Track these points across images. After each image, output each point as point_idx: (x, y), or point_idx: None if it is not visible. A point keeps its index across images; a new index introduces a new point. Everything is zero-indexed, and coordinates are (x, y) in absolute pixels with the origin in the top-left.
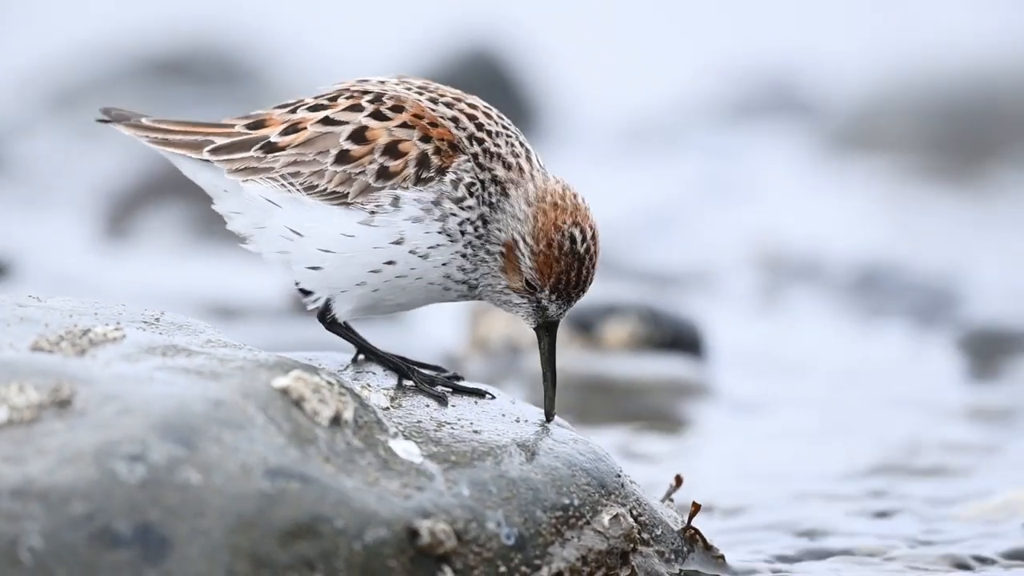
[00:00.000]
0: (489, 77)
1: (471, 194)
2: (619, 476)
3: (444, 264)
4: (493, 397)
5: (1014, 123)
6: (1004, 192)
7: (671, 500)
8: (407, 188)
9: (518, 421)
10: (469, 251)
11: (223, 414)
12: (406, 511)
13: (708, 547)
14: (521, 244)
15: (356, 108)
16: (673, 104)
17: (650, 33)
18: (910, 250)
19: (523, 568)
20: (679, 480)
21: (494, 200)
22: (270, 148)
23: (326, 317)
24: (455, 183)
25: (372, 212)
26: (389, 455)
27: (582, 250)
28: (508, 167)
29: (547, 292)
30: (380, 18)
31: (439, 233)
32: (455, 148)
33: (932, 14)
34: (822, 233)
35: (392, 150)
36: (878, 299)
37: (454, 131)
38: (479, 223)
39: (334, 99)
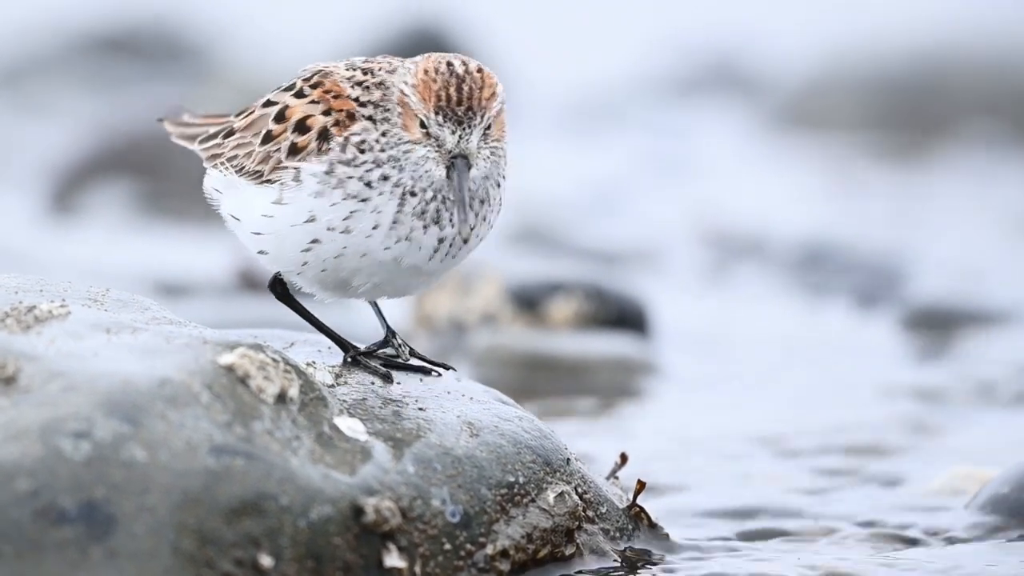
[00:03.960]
0: (431, 50)
1: (361, 151)
2: (564, 454)
3: (375, 228)
4: (440, 375)
5: (958, 100)
6: (949, 170)
7: (616, 478)
8: (310, 159)
9: (463, 398)
10: (389, 165)
11: (168, 391)
12: (351, 488)
13: (653, 525)
14: (406, 88)
15: (290, 88)
16: (619, 81)
17: (595, 9)
18: (855, 228)
19: (468, 546)
20: (624, 458)
21: (385, 98)
22: (230, 133)
23: (274, 284)
24: (343, 146)
25: (281, 188)
26: (334, 432)
27: (460, 70)
28: (385, 84)
29: (433, 116)
30: None
31: (345, 200)
32: (352, 117)
33: None
34: (767, 211)
35: (301, 126)
36: (823, 277)
37: (353, 100)
38: (379, 136)
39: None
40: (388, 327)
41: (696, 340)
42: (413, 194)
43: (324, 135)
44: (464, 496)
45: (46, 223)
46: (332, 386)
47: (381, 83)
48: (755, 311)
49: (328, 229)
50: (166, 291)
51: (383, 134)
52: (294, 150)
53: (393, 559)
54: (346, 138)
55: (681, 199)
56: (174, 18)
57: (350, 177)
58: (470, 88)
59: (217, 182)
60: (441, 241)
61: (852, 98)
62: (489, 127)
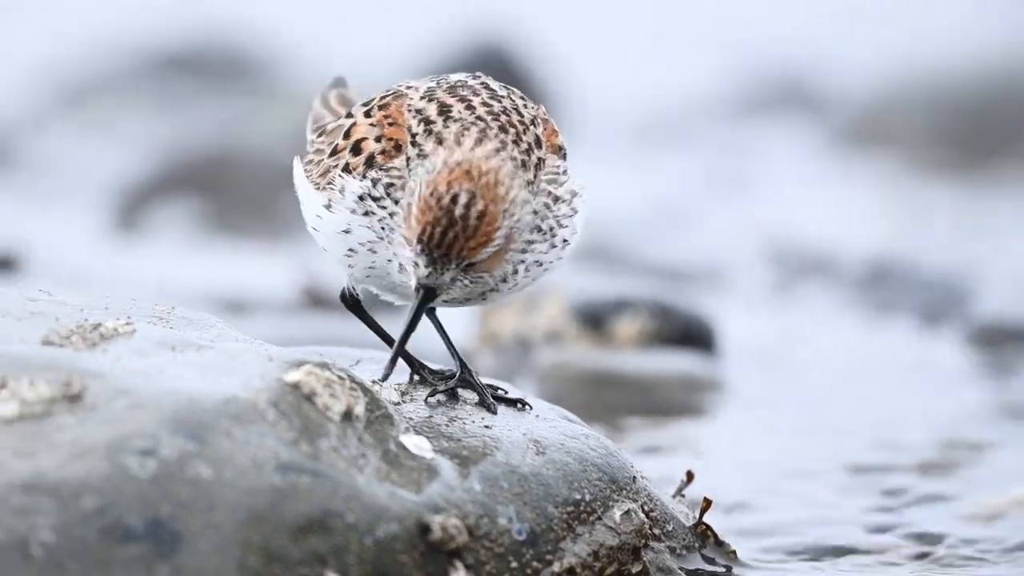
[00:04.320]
0: (499, 72)
1: (388, 194)
2: (630, 471)
3: (390, 261)
4: (522, 408)
5: (1023, 117)
6: (1014, 186)
7: (682, 496)
8: (353, 178)
9: (529, 416)
10: (392, 237)
11: (234, 409)
12: (417, 506)
13: (719, 543)
14: (416, 191)
15: (367, 103)
16: (684, 98)
17: (660, 27)
18: (920, 245)
19: (534, 563)
20: (690, 476)
21: (418, 167)
22: (321, 133)
23: (345, 295)
24: (375, 181)
25: (329, 195)
26: (400, 450)
27: (457, 213)
28: (441, 141)
29: (415, 242)
30: (391, 13)
31: (369, 228)
32: (398, 148)
33: (942, 9)
34: (832, 228)
35: (356, 147)
36: (888, 294)
37: (408, 130)
38: (396, 211)
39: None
40: (462, 361)
41: (761, 358)
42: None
43: (370, 162)
44: (530, 514)
45: (112, 241)
46: (398, 404)
47: (437, 137)
48: (820, 329)
49: (359, 244)
50: (231, 308)
51: (401, 197)
52: (347, 169)
53: None
54: (379, 174)
55: (746, 216)
56: (239, 36)
57: (373, 213)
58: (455, 236)
59: (297, 174)
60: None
61: (916, 116)
62: (473, 265)
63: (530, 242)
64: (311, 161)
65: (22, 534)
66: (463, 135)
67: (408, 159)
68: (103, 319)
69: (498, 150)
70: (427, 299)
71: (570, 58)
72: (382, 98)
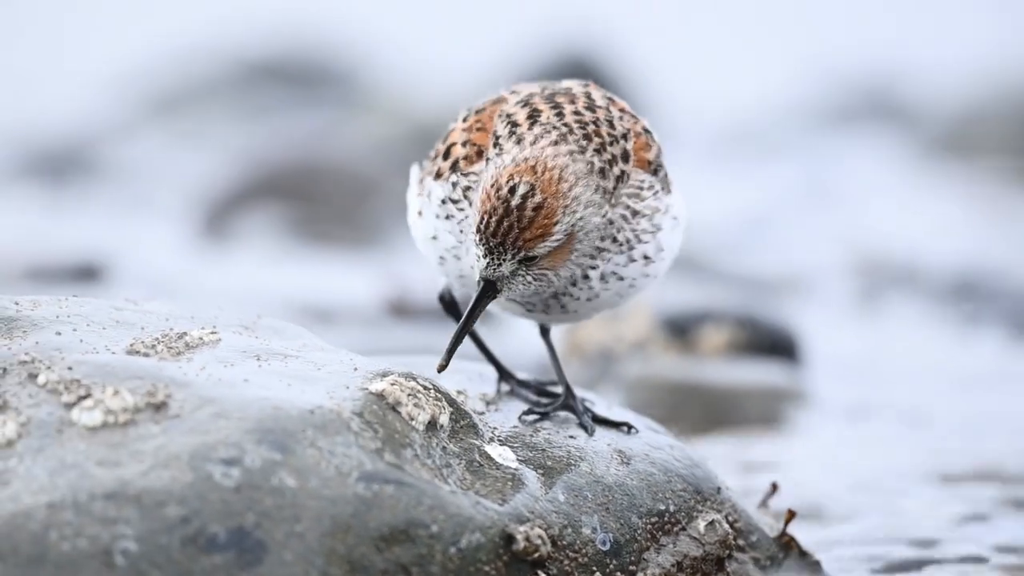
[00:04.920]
0: (583, 78)
1: (466, 197)
2: (715, 482)
3: (472, 268)
4: (637, 431)
5: None
6: None
7: (767, 506)
8: (438, 183)
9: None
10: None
11: (319, 418)
12: (501, 516)
13: (804, 554)
14: (483, 182)
15: (470, 107)
16: (769, 107)
17: (746, 35)
18: (1008, 255)
19: (618, 573)
20: (775, 487)
21: (491, 163)
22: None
23: (443, 296)
24: (455, 184)
25: (422, 202)
26: (485, 460)
27: (514, 202)
28: (518, 140)
29: (475, 233)
30: (476, 20)
31: (449, 233)
32: (480, 154)
33: None
34: (919, 238)
35: (448, 152)
36: (976, 306)
37: (494, 134)
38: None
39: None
40: (567, 385)
41: (848, 369)
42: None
43: (455, 167)
44: (614, 524)
45: (198, 249)
46: (483, 413)
47: (517, 137)
48: (907, 340)
49: (445, 250)
50: (316, 317)
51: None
52: (439, 174)
53: None
54: (459, 178)
55: (833, 227)
56: (327, 45)
57: (452, 216)
58: (510, 225)
59: (412, 177)
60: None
61: (1006, 125)
62: (534, 258)
63: (601, 249)
64: (422, 167)
65: (105, 543)
66: (542, 137)
67: (488, 160)
68: (188, 328)
69: (572, 152)
70: (487, 292)
71: (658, 66)
72: (483, 102)
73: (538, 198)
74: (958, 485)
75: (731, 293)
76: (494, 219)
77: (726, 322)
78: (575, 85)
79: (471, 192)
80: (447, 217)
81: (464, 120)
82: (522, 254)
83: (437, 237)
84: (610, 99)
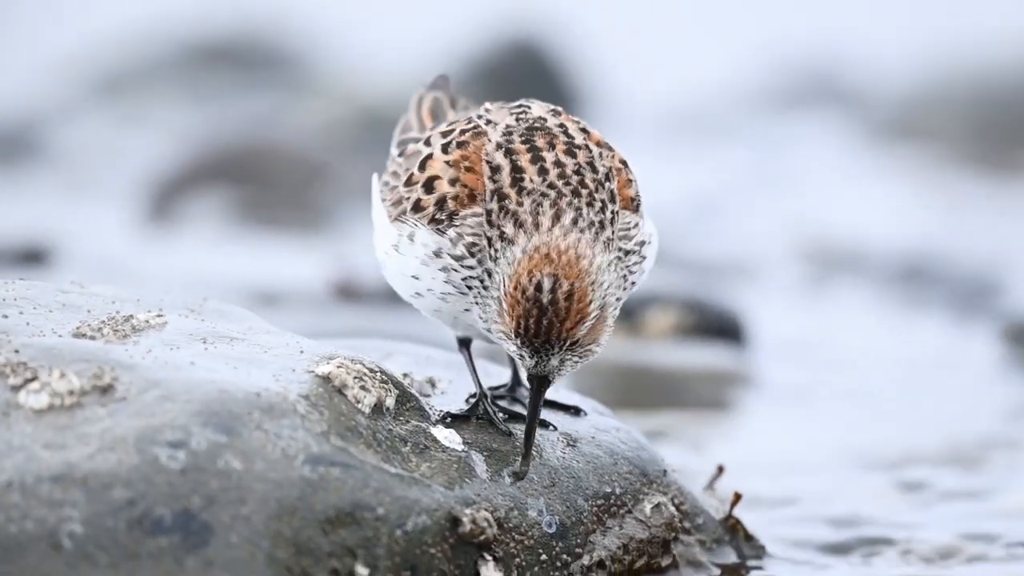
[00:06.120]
0: (532, 65)
1: (471, 254)
2: (661, 465)
3: (467, 311)
4: (585, 413)
5: None
6: None
7: (713, 489)
8: (424, 226)
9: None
10: (480, 301)
11: (265, 401)
12: (447, 499)
13: (749, 537)
14: (502, 286)
15: (446, 134)
16: (717, 92)
17: (696, 21)
18: (954, 240)
19: (564, 556)
20: (721, 469)
21: (500, 254)
22: (402, 153)
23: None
24: (455, 240)
25: (399, 236)
26: (431, 443)
27: (545, 300)
28: (520, 224)
29: (513, 338)
30: (425, 5)
31: (446, 283)
32: (472, 198)
33: (979, 2)
34: (866, 223)
35: (429, 185)
36: (921, 289)
37: (485, 180)
38: (485, 277)
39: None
40: (515, 374)
41: (794, 352)
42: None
43: (441, 204)
44: (560, 507)
45: (145, 233)
46: (429, 396)
47: (514, 217)
48: (853, 324)
49: (428, 290)
50: (263, 300)
51: (491, 267)
52: (417, 207)
53: (489, 570)
54: (459, 231)
55: (780, 211)
56: (274, 28)
57: (455, 270)
58: (549, 322)
59: (374, 194)
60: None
61: (952, 110)
62: (576, 342)
63: (619, 299)
64: (386, 184)
65: (52, 526)
66: (538, 214)
67: (487, 228)
68: (135, 311)
69: (575, 220)
70: (542, 388)
71: (605, 52)
72: (462, 132)
73: (566, 287)
74: (902, 469)
75: (678, 276)
76: (531, 321)
77: (673, 305)
78: (548, 116)
79: (477, 251)
80: (442, 269)
81: (445, 151)
82: (567, 344)
83: (419, 278)
84: (585, 132)
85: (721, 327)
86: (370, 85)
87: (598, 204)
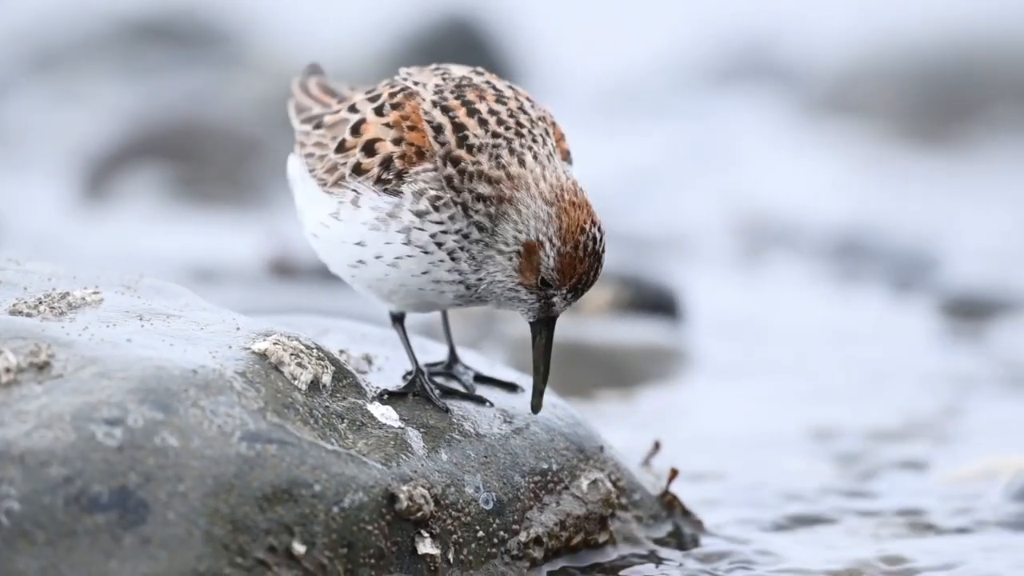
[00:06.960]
0: (468, 41)
1: (436, 208)
2: (597, 441)
3: (425, 273)
4: (523, 389)
5: (993, 87)
6: (983, 156)
7: (649, 465)
8: (369, 188)
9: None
10: (465, 256)
11: (201, 378)
12: (384, 475)
13: (686, 512)
14: (548, 245)
15: (375, 99)
16: (653, 68)
17: None
18: (889, 215)
19: (501, 533)
20: (657, 445)
21: (488, 211)
22: (319, 125)
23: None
24: (417, 195)
25: (339, 204)
26: (367, 419)
27: (600, 249)
28: (494, 180)
29: (564, 290)
30: None
31: (405, 245)
32: (420, 155)
33: None
34: (801, 198)
35: (369, 147)
36: (857, 264)
37: (431, 139)
38: (467, 232)
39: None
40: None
41: (730, 328)
42: (468, 287)
43: (387, 164)
44: (497, 483)
45: (79, 209)
46: (366, 373)
47: (497, 160)
48: (789, 298)
49: (376, 257)
50: (199, 277)
51: (467, 216)
52: (358, 170)
53: (426, 546)
54: (418, 191)
55: (715, 187)
56: (208, 4)
57: (420, 228)
58: (601, 267)
59: (294, 170)
60: (469, 289)
61: (887, 85)
62: None
63: None
64: (312, 155)
65: None
66: (507, 165)
67: (452, 193)
68: (71, 288)
69: (535, 156)
70: (553, 325)
71: (542, 28)
72: (391, 95)
73: (603, 236)
74: (838, 442)
75: (614, 252)
76: (592, 273)
77: (609, 281)
78: (472, 75)
79: (442, 204)
80: (401, 231)
81: (379, 113)
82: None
83: (365, 244)
84: (512, 88)
85: (658, 303)
86: (303, 61)
87: (540, 139)
